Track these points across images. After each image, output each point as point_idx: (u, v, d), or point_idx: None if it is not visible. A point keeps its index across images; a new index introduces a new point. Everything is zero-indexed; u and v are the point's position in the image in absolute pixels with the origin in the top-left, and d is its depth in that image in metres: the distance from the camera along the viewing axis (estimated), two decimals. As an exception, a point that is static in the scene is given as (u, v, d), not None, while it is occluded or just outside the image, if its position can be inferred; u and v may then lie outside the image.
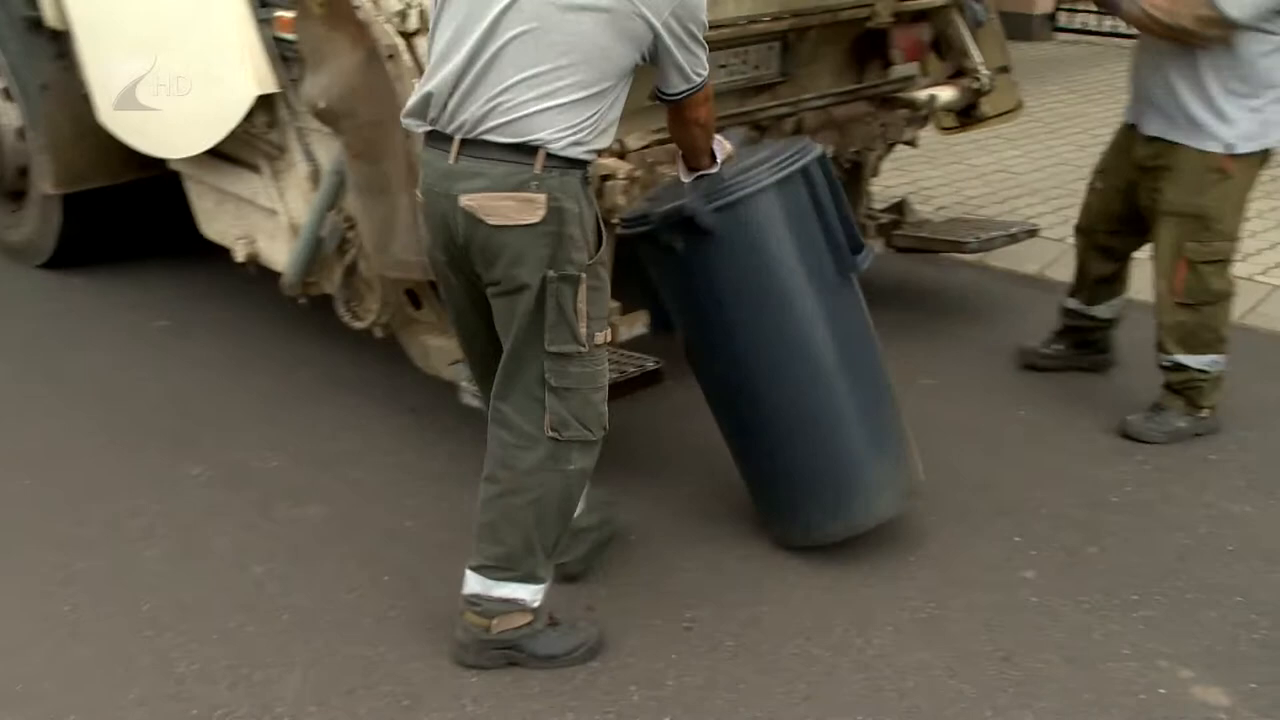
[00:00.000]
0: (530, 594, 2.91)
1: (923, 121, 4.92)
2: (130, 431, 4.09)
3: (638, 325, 4.09)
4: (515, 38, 2.64)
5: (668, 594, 3.25)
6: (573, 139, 2.69)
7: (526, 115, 2.66)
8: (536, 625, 2.93)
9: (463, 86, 2.69)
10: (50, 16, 4.71)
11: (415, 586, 3.27)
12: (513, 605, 2.90)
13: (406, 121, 2.88)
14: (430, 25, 2.83)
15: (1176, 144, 3.90)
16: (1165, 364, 4.06)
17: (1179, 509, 3.66)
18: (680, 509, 3.64)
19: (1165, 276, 3.98)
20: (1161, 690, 2.91)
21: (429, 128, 2.79)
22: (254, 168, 4.31)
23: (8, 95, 5.16)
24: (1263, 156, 3.92)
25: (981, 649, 3.04)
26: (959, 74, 4.92)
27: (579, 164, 2.74)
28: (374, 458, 3.93)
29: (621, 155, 3.92)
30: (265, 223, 4.39)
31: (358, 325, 4.06)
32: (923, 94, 4.80)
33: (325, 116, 3.68)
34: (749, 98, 4.51)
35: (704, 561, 3.39)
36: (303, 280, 4.12)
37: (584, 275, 2.75)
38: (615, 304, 4.02)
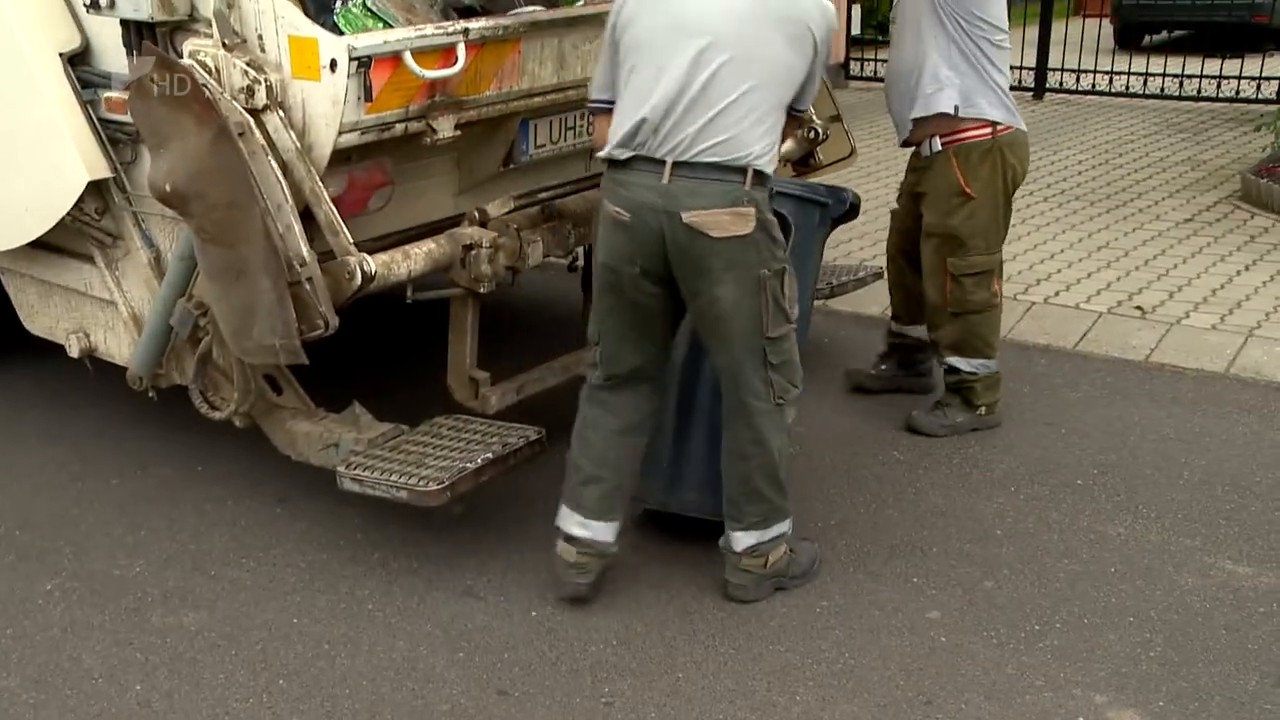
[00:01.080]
0: (789, 526, 3.45)
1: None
2: (-34, 549, 3.75)
3: (509, 394, 4.01)
4: (721, 66, 3.04)
5: (581, 671, 3.14)
6: (769, 154, 3.13)
7: (735, 136, 3.07)
8: (791, 552, 3.46)
9: (675, 114, 3.06)
10: None
11: (316, 687, 3.07)
12: (780, 540, 3.42)
13: (610, 151, 3.18)
14: (614, 62, 3.22)
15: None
16: (941, 364, 4.45)
17: (1060, 536, 3.75)
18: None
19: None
20: (1081, 718, 2.94)
21: (631, 154, 3.13)
22: (85, 257, 4.06)
23: None
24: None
25: (904, 696, 3.02)
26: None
27: (768, 176, 3.15)
28: (247, 554, 3.69)
29: (483, 223, 3.85)
30: (101, 314, 4.14)
31: (215, 416, 3.84)
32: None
33: (172, 200, 3.45)
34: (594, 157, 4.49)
35: (612, 633, 3.29)
36: (152, 372, 3.90)
37: (786, 266, 3.20)
38: (485, 374, 3.94)
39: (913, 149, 4.36)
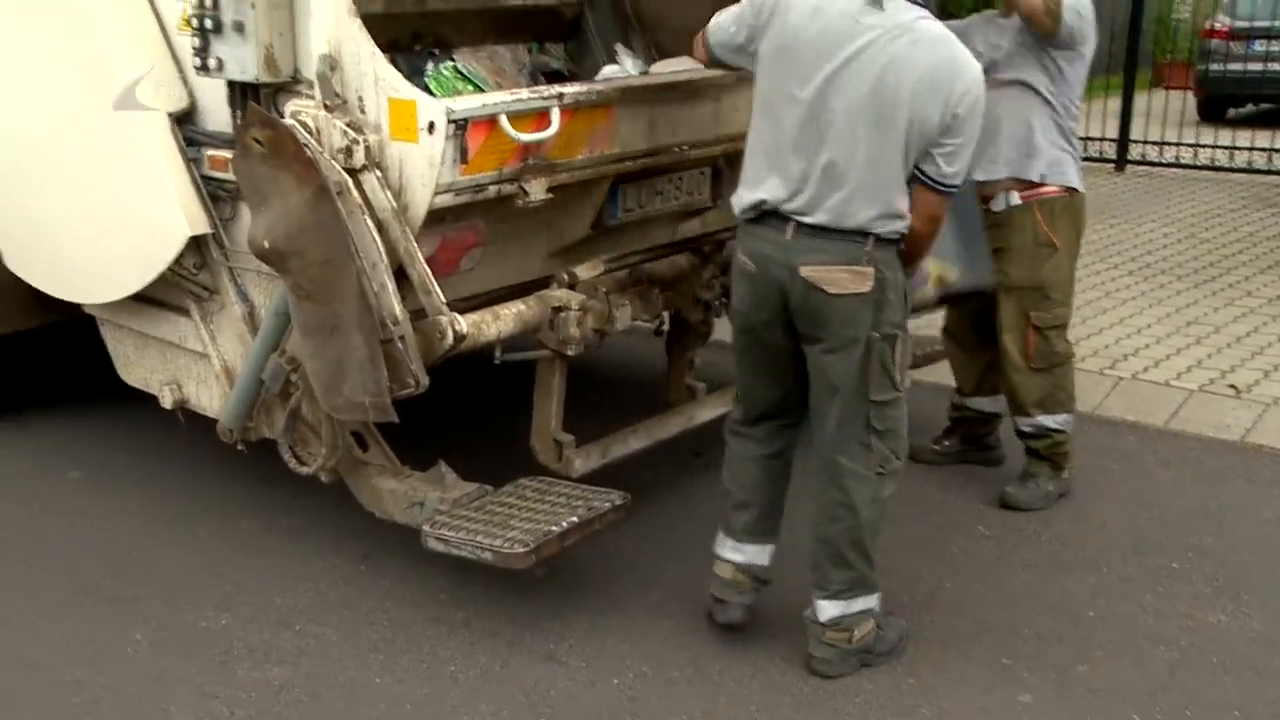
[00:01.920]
0: (876, 601, 3.38)
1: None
2: (58, 594, 3.76)
3: (594, 458, 3.97)
4: (858, 139, 3.07)
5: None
6: (897, 223, 3.14)
7: (862, 205, 3.09)
8: (878, 628, 3.39)
9: (810, 184, 3.11)
10: (-45, 159, 4.43)
11: (396, 750, 3.04)
12: (866, 615, 3.35)
13: (740, 213, 3.28)
14: (741, 52, 3.36)
15: None
16: (1026, 429, 4.32)
17: (1156, 621, 3.61)
18: (673, 641, 3.49)
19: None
20: (1182, 813, 2.82)
21: (756, 214, 3.22)
22: (181, 310, 4.10)
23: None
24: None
25: (998, 782, 2.92)
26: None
27: (896, 239, 3.16)
28: (331, 611, 3.67)
29: (572, 286, 3.83)
30: (194, 367, 4.17)
31: (303, 470, 3.84)
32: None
33: (270, 256, 3.49)
34: (680, 222, 4.48)
35: (696, 706, 3.21)
36: (242, 425, 3.91)
37: (899, 333, 3.19)
38: (570, 437, 3.91)
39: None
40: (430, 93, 3.99)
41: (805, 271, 3.13)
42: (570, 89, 3.67)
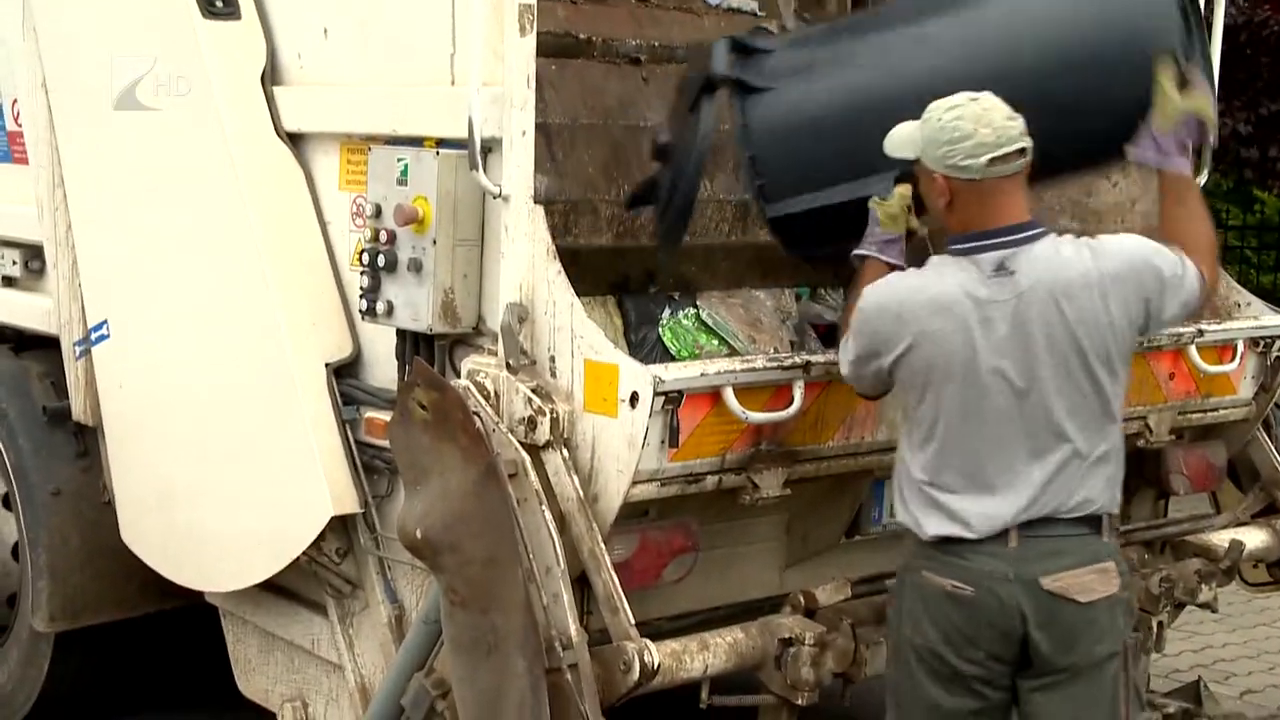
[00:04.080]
0: None
1: (1225, 576, 4.80)
2: None
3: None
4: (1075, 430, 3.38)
5: None
6: (1118, 497, 3.48)
7: (1086, 486, 3.39)
8: None
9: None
10: (79, 408, 4.90)
11: None
12: None
13: (935, 534, 3.45)
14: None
15: None
16: None
17: None
18: None
19: None
20: None
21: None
22: (318, 607, 4.34)
23: (6, 504, 5.31)
24: None
25: None
26: (1269, 509, 4.87)
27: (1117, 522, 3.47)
28: None
29: (810, 613, 3.86)
30: (325, 680, 4.37)
31: (445, 837, 3.92)
32: (1222, 538, 4.75)
33: (422, 549, 3.67)
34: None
35: None
36: (375, 765, 4.04)
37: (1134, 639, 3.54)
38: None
39: None
40: (664, 346, 4.17)
41: (1048, 583, 3.33)
42: (821, 358, 3.80)
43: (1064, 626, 3.31)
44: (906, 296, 3.43)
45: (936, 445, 3.42)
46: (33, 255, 5.25)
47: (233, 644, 4.74)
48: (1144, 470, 4.81)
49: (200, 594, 4.71)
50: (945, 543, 3.42)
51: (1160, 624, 4.89)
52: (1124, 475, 4.73)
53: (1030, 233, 3.41)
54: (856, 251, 3.68)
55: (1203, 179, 4.53)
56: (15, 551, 5.28)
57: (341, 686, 4.28)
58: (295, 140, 4.29)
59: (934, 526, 3.43)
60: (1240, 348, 4.79)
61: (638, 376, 3.52)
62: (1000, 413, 3.37)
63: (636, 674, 3.47)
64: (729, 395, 3.60)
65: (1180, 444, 4.77)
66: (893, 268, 3.59)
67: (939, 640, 3.40)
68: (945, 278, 3.41)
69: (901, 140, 3.46)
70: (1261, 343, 4.86)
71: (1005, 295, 3.36)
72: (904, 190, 3.60)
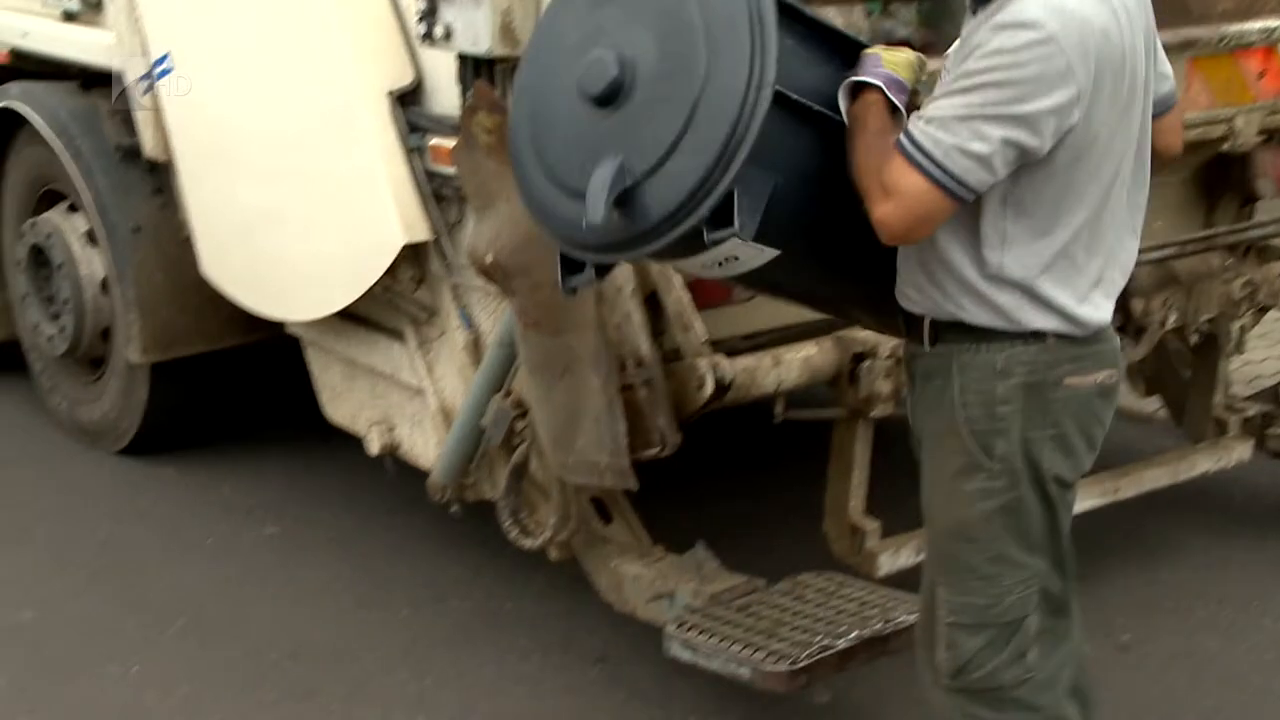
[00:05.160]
0: None
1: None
2: (229, 677, 4.11)
3: (906, 554, 3.99)
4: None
5: None
6: None
7: None
8: None
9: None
10: (150, 145, 4.92)
11: None
12: None
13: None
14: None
15: None
16: None
17: None
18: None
19: None
20: None
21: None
22: (396, 334, 4.38)
23: (91, 239, 5.40)
24: None
25: None
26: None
27: None
28: (553, 723, 3.86)
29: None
30: (408, 405, 4.43)
31: (527, 544, 4.00)
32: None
33: (493, 273, 3.70)
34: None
35: None
36: (457, 482, 4.13)
37: None
38: (875, 523, 3.96)
39: None
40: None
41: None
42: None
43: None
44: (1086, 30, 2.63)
45: (1086, 214, 2.75)
46: (90, -13, 5.19)
47: (318, 372, 4.81)
48: (1230, 175, 4.71)
49: (282, 327, 4.79)
50: (1086, 335, 2.84)
51: (1242, 328, 4.88)
52: (1211, 180, 4.78)
53: None
54: (858, 78, 2.75)
55: None
56: (105, 286, 5.37)
57: (423, 410, 4.35)
58: None
59: (1090, 311, 2.81)
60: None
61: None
62: (1123, 181, 2.80)
63: (710, 389, 3.51)
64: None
65: (1268, 146, 4.63)
66: (894, 114, 2.73)
67: (1085, 451, 2.90)
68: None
69: None
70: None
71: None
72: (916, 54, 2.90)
